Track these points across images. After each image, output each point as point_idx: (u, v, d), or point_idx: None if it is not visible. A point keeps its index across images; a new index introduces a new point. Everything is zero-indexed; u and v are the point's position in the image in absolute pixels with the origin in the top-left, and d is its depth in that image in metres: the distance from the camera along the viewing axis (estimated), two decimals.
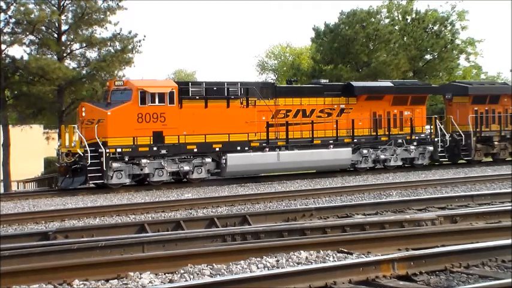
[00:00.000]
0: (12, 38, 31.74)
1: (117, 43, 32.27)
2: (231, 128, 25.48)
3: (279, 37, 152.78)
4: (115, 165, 23.44)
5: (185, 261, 9.03)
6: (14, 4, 31.43)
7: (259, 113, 26.30)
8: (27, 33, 31.82)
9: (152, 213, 17.05)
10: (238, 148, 25.65)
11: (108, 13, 32.30)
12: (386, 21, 49.53)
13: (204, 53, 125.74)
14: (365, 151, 28.80)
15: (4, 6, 31.38)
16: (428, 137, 30.84)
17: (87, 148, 22.91)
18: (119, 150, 23.52)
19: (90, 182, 23.70)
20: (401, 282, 8.09)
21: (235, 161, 25.37)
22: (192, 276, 8.52)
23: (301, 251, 9.60)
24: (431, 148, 30.47)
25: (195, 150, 24.94)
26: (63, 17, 32.57)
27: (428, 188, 21.34)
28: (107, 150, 23.15)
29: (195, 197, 20.96)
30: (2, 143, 32.36)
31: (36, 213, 17.33)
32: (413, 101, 30.21)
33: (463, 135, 31.45)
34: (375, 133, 29.23)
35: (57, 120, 32.38)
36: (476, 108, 32.20)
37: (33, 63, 29.97)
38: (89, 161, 22.87)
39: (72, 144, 23.64)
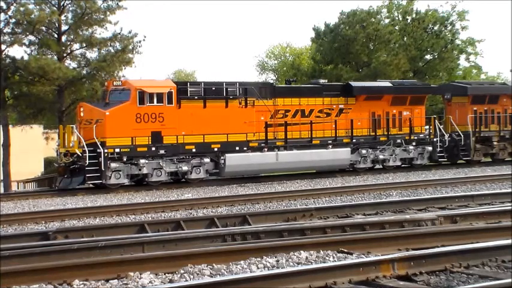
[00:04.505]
0: (12, 38, 31.77)
1: (117, 43, 32.28)
2: (230, 128, 25.47)
3: (279, 37, 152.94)
4: (113, 165, 23.43)
5: (185, 261, 9.01)
6: (14, 4, 31.46)
7: (257, 113, 26.29)
8: (27, 34, 31.84)
9: (152, 213, 17.03)
10: (237, 148, 25.64)
11: (108, 13, 32.32)
12: (387, 21, 49.60)
13: (204, 53, 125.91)
14: (364, 151, 28.78)
15: (4, 7, 31.44)
16: (427, 137, 30.85)
17: (86, 148, 22.91)
18: (117, 150, 23.50)
19: (89, 182, 23.68)
20: (401, 282, 8.08)
21: (233, 161, 25.36)
22: (192, 276, 8.51)
23: (301, 251, 9.59)
24: (430, 148, 30.45)
25: (194, 150, 24.93)
26: (63, 17, 32.60)
27: (428, 188, 21.33)
28: (105, 151, 23.13)
29: (195, 197, 20.95)
30: (2, 143, 32.36)
31: (36, 213, 17.32)
32: (412, 101, 30.18)
33: (462, 136, 31.44)
34: (373, 133, 29.20)
35: (57, 121, 32.37)
36: (475, 109, 32.19)
37: (33, 63, 29.97)
38: (87, 161, 22.86)
39: (71, 145, 23.62)
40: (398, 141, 29.79)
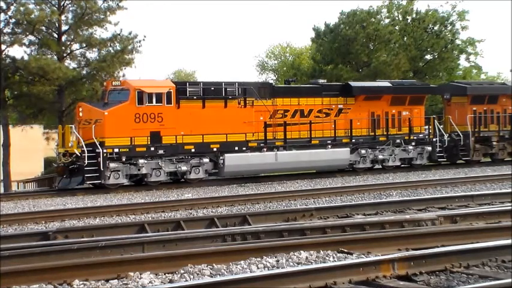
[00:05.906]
0: (12, 38, 31.75)
1: (117, 44, 32.27)
2: (229, 128, 25.46)
3: (279, 37, 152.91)
4: (112, 165, 23.42)
5: (185, 261, 9.01)
6: (14, 4, 31.44)
7: (257, 113, 26.28)
8: (27, 34, 31.82)
9: (152, 213, 17.03)
10: (236, 148, 25.63)
11: (108, 13, 32.32)
12: (387, 21, 49.59)
13: (204, 53, 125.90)
14: (363, 151, 28.76)
15: (4, 7, 31.43)
16: (426, 137, 30.84)
17: (85, 148, 22.90)
18: (116, 150, 23.48)
19: (88, 182, 23.66)
20: (401, 282, 8.08)
21: (232, 161, 25.34)
22: (192, 276, 8.51)
23: (301, 251, 9.58)
24: (429, 148, 30.44)
25: (193, 150, 24.93)
26: (63, 17, 32.59)
27: (428, 188, 21.32)
28: (104, 151, 23.11)
29: (195, 197, 20.94)
30: (2, 143, 32.35)
31: (36, 213, 17.32)
32: (411, 101, 30.15)
33: (462, 136, 31.42)
34: (373, 133, 29.18)
35: (57, 121, 32.36)
36: (474, 109, 32.18)
37: (33, 63, 29.96)
38: (86, 161, 22.85)
39: (70, 145, 23.60)
40: (398, 141, 29.78)
